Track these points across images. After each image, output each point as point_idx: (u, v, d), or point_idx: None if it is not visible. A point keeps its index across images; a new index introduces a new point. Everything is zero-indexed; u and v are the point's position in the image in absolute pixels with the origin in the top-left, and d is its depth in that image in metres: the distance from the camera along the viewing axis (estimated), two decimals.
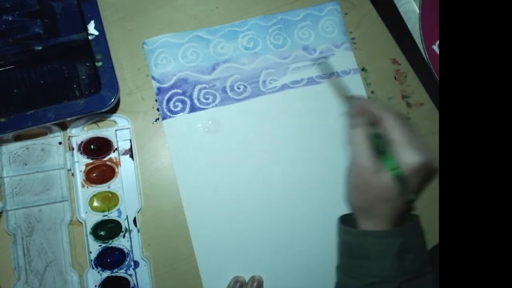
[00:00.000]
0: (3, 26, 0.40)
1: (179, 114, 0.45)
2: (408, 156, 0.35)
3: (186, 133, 0.45)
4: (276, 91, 0.47)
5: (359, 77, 0.48)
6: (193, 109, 0.45)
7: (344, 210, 0.43)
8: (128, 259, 0.41)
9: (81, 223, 0.42)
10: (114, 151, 0.43)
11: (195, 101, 0.46)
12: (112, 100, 0.40)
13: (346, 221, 0.41)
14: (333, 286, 0.41)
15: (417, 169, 0.35)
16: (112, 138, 0.43)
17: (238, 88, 0.46)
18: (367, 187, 0.38)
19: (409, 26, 0.47)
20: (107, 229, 0.42)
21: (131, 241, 0.42)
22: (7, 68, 0.44)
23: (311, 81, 0.47)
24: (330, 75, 0.47)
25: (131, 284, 0.41)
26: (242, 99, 0.46)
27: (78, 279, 0.41)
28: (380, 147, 0.38)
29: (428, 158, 0.36)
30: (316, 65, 0.47)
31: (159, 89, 0.45)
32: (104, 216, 0.42)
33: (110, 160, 0.43)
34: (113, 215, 0.42)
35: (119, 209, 0.42)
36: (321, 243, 0.44)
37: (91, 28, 0.41)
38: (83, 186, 0.42)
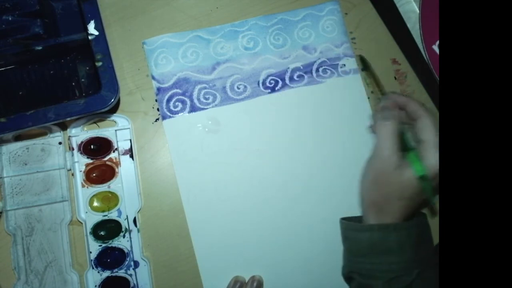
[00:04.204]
0: (3, 26, 0.40)
1: (179, 114, 0.45)
2: (435, 157, 0.36)
3: (186, 133, 0.45)
4: (276, 91, 0.47)
5: (359, 77, 0.48)
6: (193, 109, 0.45)
7: (344, 209, 0.43)
8: (128, 259, 0.41)
9: (81, 223, 0.42)
10: (114, 151, 0.43)
11: (195, 101, 0.46)
12: (112, 100, 0.40)
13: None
14: (332, 285, 0.41)
15: None
16: (112, 138, 0.43)
17: (238, 88, 0.46)
18: (387, 181, 0.37)
19: (409, 26, 0.47)
20: (107, 229, 0.42)
21: (131, 241, 0.42)
22: (7, 68, 0.44)
23: (311, 81, 0.47)
24: (366, 68, 0.47)
25: (131, 284, 0.41)
26: (242, 99, 0.46)
27: (78, 279, 0.41)
28: (408, 143, 0.38)
29: None
30: (356, 58, 0.48)
31: (159, 89, 0.45)
32: (104, 216, 0.42)
33: (110, 160, 0.43)
34: (113, 215, 0.42)
35: (119, 209, 0.42)
36: (321, 243, 0.44)
37: (91, 28, 0.41)
38: (83, 186, 0.42)
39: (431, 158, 0.36)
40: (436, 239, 0.45)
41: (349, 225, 0.40)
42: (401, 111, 0.41)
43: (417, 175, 0.36)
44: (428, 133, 0.37)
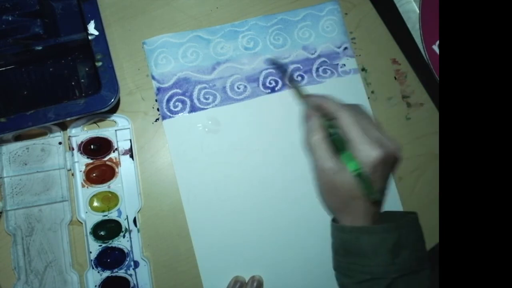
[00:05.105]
0: (3, 26, 0.40)
1: (179, 114, 0.45)
2: (365, 153, 0.34)
3: (186, 133, 0.45)
4: (276, 91, 0.47)
5: (359, 77, 0.48)
6: (193, 109, 0.45)
7: None
8: (128, 259, 0.41)
9: (81, 223, 0.42)
10: (114, 151, 0.43)
11: (195, 101, 0.46)
12: (112, 100, 0.40)
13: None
14: (332, 285, 0.41)
15: (377, 164, 0.35)
16: (112, 138, 0.43)
17: (238, 88, 0.46)
18: (334, 188, 0.37)
19: (409, 26, 0.47)
20: (107, 229, 0.42)
21: (131, 241, 0.42)
22: (7, 68, 0.44)
23: (311, 81, 0.47)
24: (290, 78, 0.46)
25: (131, 284, 0.41)
26: (242, 99, 0.46)
27: (78, 279, 0.41)
28: (339, 144, 0.37)
29: (386, 150, 0.35)
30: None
31: (159, 89, 0.45)
32: (104, 216, 0.42)
33: (110, 160, 0.43)
34: (113, 215, 0.42)
35: (119, 209, 0.42)
36: (321, 242, 0.44)
37: (91, 28, 0.41)
38: (83, 186, 0.42)
39: (360, 154, 0.35)
40: (436, 239, 0.45)
41: (332, 224, 0.41)
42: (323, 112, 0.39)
43: (354, 174, 0.35)
44: (350, 131, 0.36)
